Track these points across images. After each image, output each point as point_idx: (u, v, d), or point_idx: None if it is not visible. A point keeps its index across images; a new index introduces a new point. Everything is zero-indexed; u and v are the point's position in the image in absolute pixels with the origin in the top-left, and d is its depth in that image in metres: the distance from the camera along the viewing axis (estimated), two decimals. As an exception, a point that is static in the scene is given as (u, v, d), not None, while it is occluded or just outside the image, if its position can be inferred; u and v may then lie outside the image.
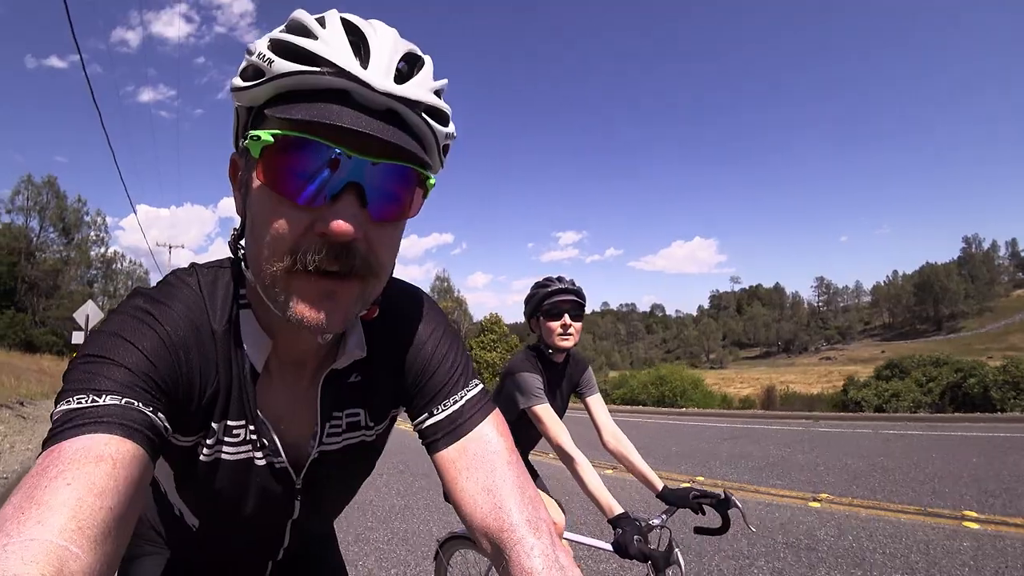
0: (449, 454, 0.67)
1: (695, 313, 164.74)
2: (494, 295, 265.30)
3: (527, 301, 2.08)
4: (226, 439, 0.64)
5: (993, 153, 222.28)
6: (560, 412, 2.03)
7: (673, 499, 1.71)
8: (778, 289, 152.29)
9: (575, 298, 1.97)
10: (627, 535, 1.39)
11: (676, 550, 1.31)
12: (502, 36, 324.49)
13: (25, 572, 0.35)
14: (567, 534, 1.87)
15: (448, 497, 0.68)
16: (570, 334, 1.95)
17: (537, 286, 2.06)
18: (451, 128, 0.57)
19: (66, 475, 0.42)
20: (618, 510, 1.51)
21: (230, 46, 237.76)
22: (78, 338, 15.02)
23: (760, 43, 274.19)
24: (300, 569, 0.94)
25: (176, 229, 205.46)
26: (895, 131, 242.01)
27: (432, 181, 0.56)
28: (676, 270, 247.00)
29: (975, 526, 3.99)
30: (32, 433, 7.35)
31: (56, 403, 0.49)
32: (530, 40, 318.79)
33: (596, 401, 2.12)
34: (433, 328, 0.73)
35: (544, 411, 1.84)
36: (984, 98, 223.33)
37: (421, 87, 0.53)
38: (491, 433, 0.68)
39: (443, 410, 0.69)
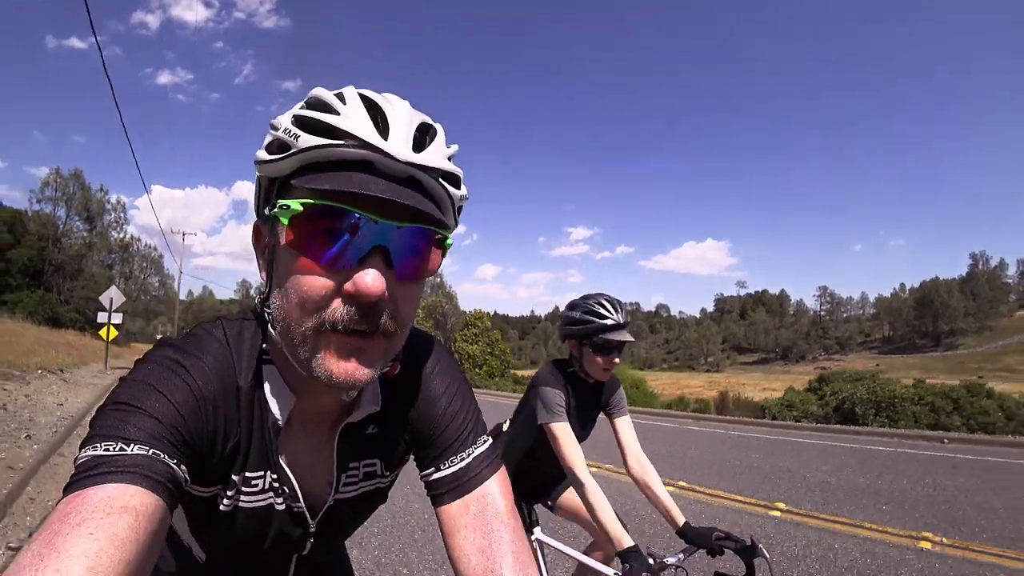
0: (452, 509, 0.70)
1: (698, 315, 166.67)
2: (503, 287, 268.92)
3: (571, 322, 1.89)
4: (244, 489, 0.67)
5: (1015, 167, 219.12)
6: (586, 432, 1.99)
7: (693, 537, 1.60)
8: (783, 296, 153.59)
9: (629, 336, 1.82)
10: (634, 571, 1.31)
11: None
12: (518, 28, 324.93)
13: None
14: (543, 537, 1.88)
15: (446, 548, 0.71)
16: (611, 369, 1.86)
17: (589, 311, 1.85)
18: (463, 191, 0.61)
19: (88, 524, 0.43)
20: (628, 543, 1.43)
21: (249, 31, 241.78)
22: (102, 318, 17.14)
23: (785, 44, 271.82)
24: None
25: (190, 210, 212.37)
26: (916, 142, 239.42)
27: (450, 241, 0.60)
28: (686, 271, 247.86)
29: (777, 514, 5.01)
30: (76, 394, 10.09)
31: (82, 447, 0.50)
32: (548, 34, 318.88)
33: (624, 423, 2.01)
34: (448, 384, 0.76)
35: (561, 429, 1.76)
36: (1013, 109, 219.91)
37: (436, 154, 0.57)
38: (494, 493, 0.71)
39: (450, 466, 0.72)
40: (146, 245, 49.29)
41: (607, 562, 1.89)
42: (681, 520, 1.67)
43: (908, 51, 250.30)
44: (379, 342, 0.57)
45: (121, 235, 43.79)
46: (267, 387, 0.65)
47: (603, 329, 1.80)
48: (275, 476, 0.68)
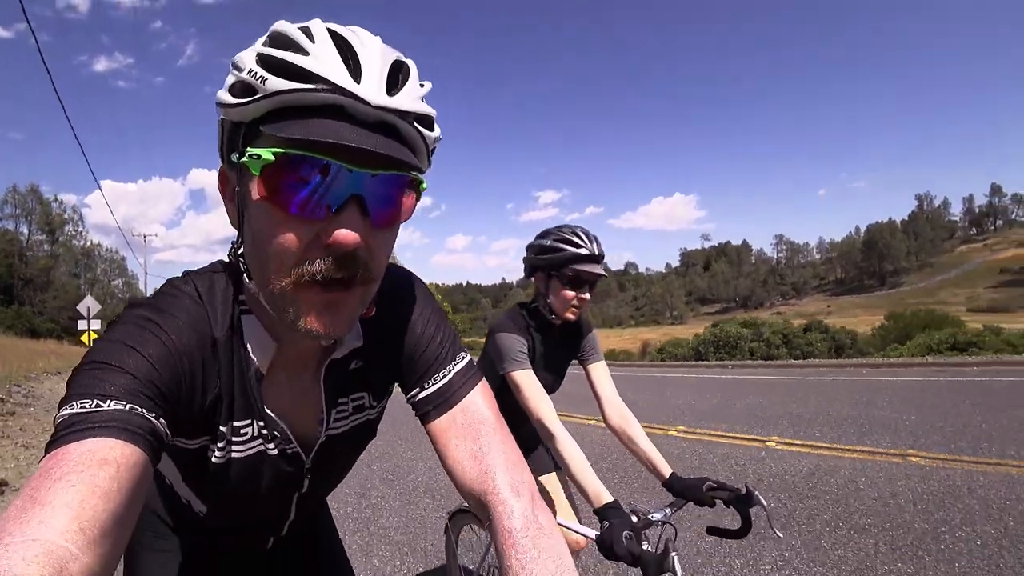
0: (440, 424, 0.72)
1: (664, 271, 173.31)
2: (474, 256, 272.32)
3: (540, 251, 1.68)
4: (234, 439, 0.67)
5: (970, 107, 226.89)
6: (557, 381, 1.84)
7: (681, 490, 1.45)
8: (744, 246, 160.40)
9: (603, 270, 1.64)
10: (615, 530, 1.15)
11: (673, 554, 1.07)
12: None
13: (26, 572, 0.37)
14: (558, 519, 1.55)
15: (441, 463, 0.74)
16: (580, 308, 1.66)
17: (560, 239, 1.65)
18: (437, 132, 0.60)
19: (70, 477, 0.44)
20: (607, 498, 1.28)
21: (187, 7, 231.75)
22: (83, 325, 18.19)
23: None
24: (300, 546, 1.02)
25: (146, 204, 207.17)
26: (877, 83, 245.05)
27: (424, 185, 0.60)
28: (655, 227, 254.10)
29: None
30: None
31: (60, 407, 0.51)
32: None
33: (599, 369, 1.81)
34: (422, 309, 0.78)
35: (523, 377, 1.58)
36: (986, 56, 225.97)
37: (410, 96, 0.55)
38: (478, 402, 0.74)
39: (433, 384, 0.74)
40: (107, 249, 51.83)
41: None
42: (668, 471, 1.50)
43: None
44: (356, 292, 0.57)
45: (82, 243, 46.44)
46: (247, 336, 0.66)
47: (576, 259, 1.60)
48: (262, 423, 0.69)
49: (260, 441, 0.70)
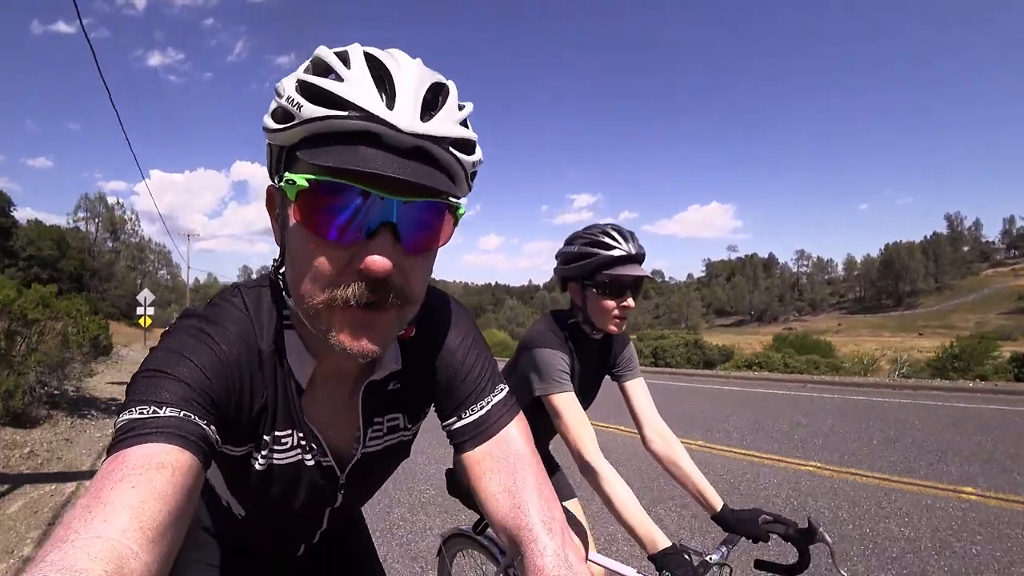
0: (475, 455, 0.75)
1: (685, 280, 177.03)
2: (506, 258, 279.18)
3: (571, 259, 1.54)
4: (275, 448, 0.72)
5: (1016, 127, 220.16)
6: (589, 403, 1.67)
7: (735, 524, 1.34)
8: (771, 259, 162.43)
9: (644, 270, 1.48)
10: None
11: None
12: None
13: (89, 567, 0.39)
14: (596, 556, 1.52)
15: (473, 494, 0.76)
16: (625, 317, 1.51)
17: (590, 243, 1.50)
18: (477, 155, 0.61)
19: (131, 479, 0.47)
20: (663, 543, 1.19)
21: (239, 6, 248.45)
22: (140, 311, 21.72)
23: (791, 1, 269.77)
24: (333, 549, 1.06)
25: (191, 193, 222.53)
26: (928, 99, 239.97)
27: (462, 211, 0.61)
28: (691, 235, 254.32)
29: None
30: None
31: (119, 413, 0.55)
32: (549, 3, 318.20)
33: (637, 387, 1.67)
34: (463, 337, 0.81)
35: (565, 402, 1.43)
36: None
37: (446, 121, 0.56)
38: (515, 436, 0.76)
39: (471, 414, 0.77)
40: (156, 243, 62.46)
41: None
42: (719, 503, 1.39)
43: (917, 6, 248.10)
44: (390, 314, 0.59)
45: (137, 240, 56.89)
46: (288, 351, 0.70)
47: (610, 263, 1.45)
48: (302, 434, 0.73)
49: (299, 451, 0.75)
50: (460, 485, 1.53)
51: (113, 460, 0.50)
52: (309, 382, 0.72)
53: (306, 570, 1.03)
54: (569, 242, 1.59)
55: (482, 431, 0.76)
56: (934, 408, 8.75)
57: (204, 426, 0.56)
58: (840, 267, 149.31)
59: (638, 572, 1.34)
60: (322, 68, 0.58)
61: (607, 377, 1.76)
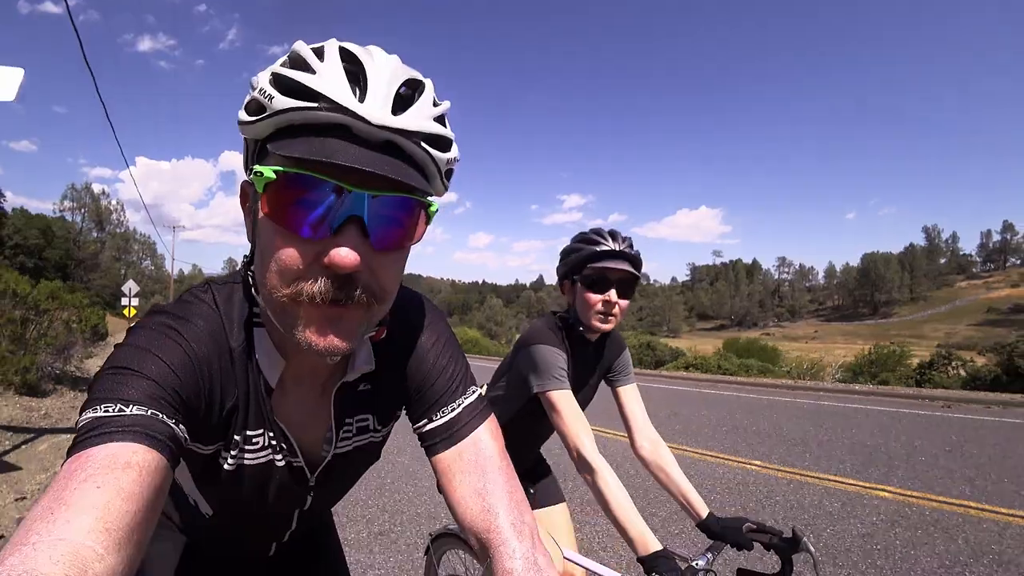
0: (445, 458, 0.74)
1: (669, 283, 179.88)
2: (495, 256, 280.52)
3: (564, 255, 1.62)
4: (246, 447, 0.71)
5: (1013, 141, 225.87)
6: (584, 405, 1.67)
7: (720, 531, 1.38)
8: (755, 266, 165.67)
9: (629, 267, 1.51)
10: None
11: None
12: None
13: (52, 571, 0.38)
14: (572, 555, 1.53)
15: (443, 496, 0.75)
16: (613, 315, 1.52)
17: (581, 239, 1.58)
18: (453, 153, 0.61)
19: (95, 479, 0.45)
20: (655, 546, 1.20)
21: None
22: (124, 301, 22.27)
23: (780, 6, 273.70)
24: (301, 549, 1.05)
25: (178, 182, 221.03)
26: (916, 110, 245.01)
27: (434, 208, 0.60)
28: (680, 238, 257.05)
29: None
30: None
31: (82, 411, 0.53)
32: (537, 3, 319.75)
33: (630, 393, 1.72)
34: (436, 339, 0.80)
35: (563, 398, 1.46)
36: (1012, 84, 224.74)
37: (419, 116, 0.56)
38: (485, 439, 0.75)
39: (441, 417, 0.76)
40: (141, 234, 63.18)
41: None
42: (705, 511, 1.43)
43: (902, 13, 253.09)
44: (358, 311, 0.58)
45: (122, 231, 57.63)
46: (258, 349, 0.68)
47: (594, 256, 1.50)
48: (272, 434, 0.72)
49: (269, 451, 0.73)
50: None
51: (76, 460, 0.48)
52: (279, 382, 0.71)
53: (275, 569, 1.03)
54: (568, 244, 1.63)
55: (453, 433, 0.76)
56: (816, 406, 10.41)
57: (172, 425, 0.55)
58: (821, 275, 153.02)
59: (619, 574, 1.31)
60: (296, 61, 0.57)
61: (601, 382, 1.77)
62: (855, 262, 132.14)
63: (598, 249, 1.51)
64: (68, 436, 5.74)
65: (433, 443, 0.77)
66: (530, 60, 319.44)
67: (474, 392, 0.81)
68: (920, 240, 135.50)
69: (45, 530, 0.41)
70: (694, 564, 1.23)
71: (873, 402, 11.38)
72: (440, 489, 0.77)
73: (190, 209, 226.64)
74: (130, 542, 0.45)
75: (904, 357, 20.06)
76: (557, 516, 1.82)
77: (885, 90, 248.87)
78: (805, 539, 1.25)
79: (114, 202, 56.18)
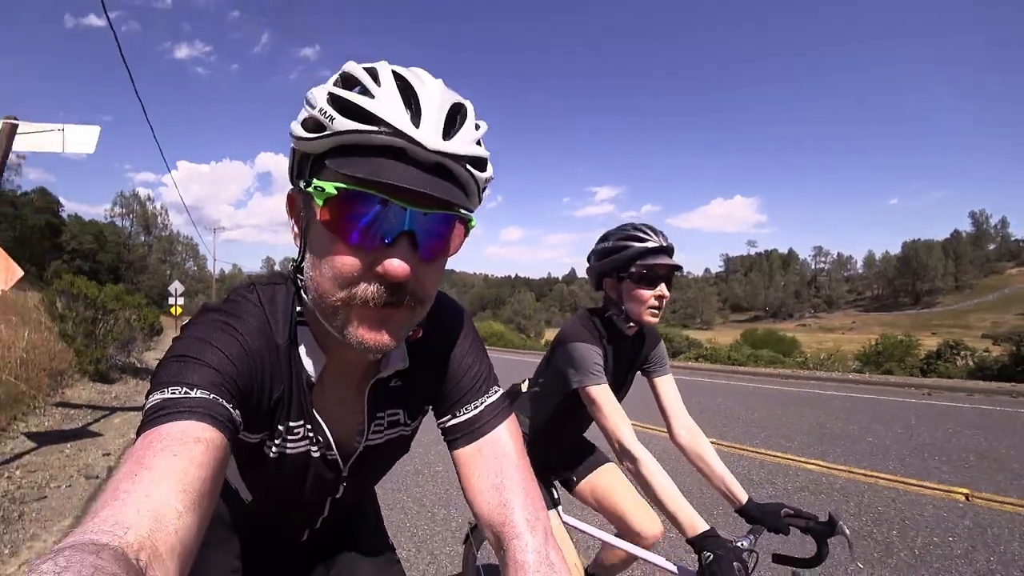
0: (466, 452, 0.79)
1: (702, 274, 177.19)
2: (527, 249, 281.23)
3: (605, 253, 1.64)
4: (288, 437, 0.76)
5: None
6: (623, 393, 1.76)
7: (760, 516, 1.42)
8: (791, 255, 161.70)
9: (675, 262, 1.58)
10: (724, 562, 1.15)
11: None
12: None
13: (138, 524, 0.43)
14: (629, 548, 1.59)
15: (461, 490, 0.78)
16: (660, 307, 1.59)
17: (624, 236, 1.61)
18: (489, 172, 0.66)
19: (172, 448, 0.51)
20: (703, 527, 1.24)
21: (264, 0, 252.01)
22: (171, 300, 23.46)
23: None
24: (332, 535, 1.09)
25: (217, 185, 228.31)
26: (961, 91, 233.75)
27: (473, 223, 0.66)
28: (714, 228, 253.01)
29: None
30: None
31: (149, 394, 0.58)
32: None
33: (667, 383, 1.78)
34: (463, 340, 0.86)
35: (601, 393, 1.53)
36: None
37: (465, 141, 0.61)
38: (504, 437, 0.80)
39: (464, 413, 0.81)
40: (184, 236, 66.58)
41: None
42: (744, 496, 1.48)
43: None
44: (404, 313, 0.64)
45: (167, 233, 60.98)
46: (301, 346, 0.73)
47: (644, 253, 1.56)
48: (310, 426, 0.78)
49: (307, 442, 0.79)
50: None
51: (149, 434, 0.53)
52: (319, 377, 0.75)
53: (309, 553, 1.08)
54: (603, 239, 1.66)
55: (474, 430, 0.80)
56: (785, 393, 11.08)
57: (230, 409, 0.59)
58: (859, 264, 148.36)
59: (669, 561, 1.38)
60: (352, 83, 0.62)
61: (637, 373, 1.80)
62: (897, 250, 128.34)
63: (648, 246, 1.56)
64: (135, 413, 6.96)
65: (455, 438, 0.81)
66: (562, 52, 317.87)
67: (496, 392, 0.85)
68: (966, 226, 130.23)
69: (131, 489, 0.46)
70: (739, 544, 1.26)
71: (852, 389, 11.90)
72: (460, 483, 0.80)
73: (229, 210, 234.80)
74: (201, 505, 0.50)
75: (912, 347, 20.17)
76: (607, 475, 1.91)
77: (928, 67, 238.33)
78: (841, 523, 1.29)
79: (159, 206, 59.99)
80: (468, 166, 0.62)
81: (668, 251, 1.58)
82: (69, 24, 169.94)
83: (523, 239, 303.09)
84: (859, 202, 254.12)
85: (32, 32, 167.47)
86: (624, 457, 1.46)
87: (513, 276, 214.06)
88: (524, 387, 1.92)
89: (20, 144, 4.70)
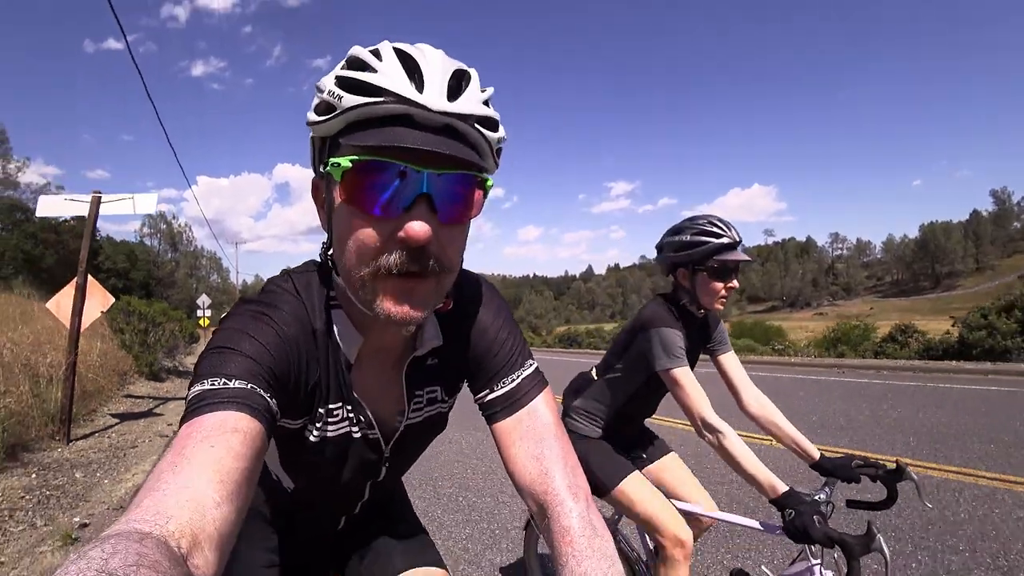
0: (505, 425, 0.80)
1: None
2: (545, 248, 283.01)
3: (680, 247, 1.75)
4: (329, 420, 0.78)
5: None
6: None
7: (832, 468, 1.56)
8: (809, 243, 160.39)
9: (745, 255, 1.70)
10: (805, 516, 1.25)
11: (879, 535, 1.12)
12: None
13: (178, 514, 0.44)
14: (714, 512, 1.77)
15: (502, 461, 0.80)
16: (728, 297, 1.73)
17: (698, 231, 1.72)
18: (501, 133, 0.67)
19: (210, 440, 0.52)
20: (782, 488, 1.36)
21: (275, 12, 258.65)
22: (199, 312, 25.26)
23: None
24: (371, 521, 1.11)
25: (236, 198, 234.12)
26: (984, 61, 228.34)
27: (490, 183, 0.66)
28: (732, 219, 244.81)
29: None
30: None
31: (191, 385, 0.60)
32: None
33: (731, 359, 1.91)
34: (495, 314, 0.87)
35: (685, 375, 1.67)
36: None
37: (471, 101, 0.62)
38: (542, 408, 0.81)
39: (502, 387, 0.82)
40: (208, 250, 70.15)
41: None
42: (816, 453, 1.62)
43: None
44: (430, 282, 0.64)
45: (192, 249, 64.46)
46: (336, 328, 0.75)
47: (719, 249, 1.68)
48: (350, 407, 0.79)
49: (347, 423, 0.81)
50: None
51: (190, 425, 0.55)
52: (357, 358, 0.77)
53: (344, 542, 1.10)
54: (676, 232, 1.79)
55: (512, 403, 0.81)
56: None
57: (267, 398, 0.61)
58: (878, 249, 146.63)
59: (757, 521, 1.52)
60: (358, 64, 0.63)
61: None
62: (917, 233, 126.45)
63: (723, 242, 1.67)
64: (184, 401, 9.14)
65: (494, 412, 0.82)
66: (571, 47, 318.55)
67: (531, 365, 0.86)
68: (988, 205, 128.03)
69: (172, 479, 0.48)
70: (816, 498, 1.38)
71: (789, 371, 13.42)
72: (500, 455, 0.81)
73: (249, 222, 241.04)
74: (240, 494, 0.52)
75: (869, 332, 21.57)
76: (670, 463, 2.04)
77: (947, 43, 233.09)
78: (908, 469, 1.42)
79: (183, 223, 63.50)
80: (477, 125, 0.63)
81: (739, 245, 1.70)
82: (89, 49, 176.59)
83: (540, 238, 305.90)
84: (882, 185, 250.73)
85: (55, 54, 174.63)
86: (708, 431, 1.59)
87: (531, 275, 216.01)
88: (594, 374, 2.03)
89: (103, 211, 6.79)
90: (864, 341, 20.82)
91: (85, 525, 3.69)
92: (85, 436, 6.12)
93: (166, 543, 0.42)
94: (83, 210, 6.61)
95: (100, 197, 6.77)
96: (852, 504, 1.59)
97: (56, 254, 30.62)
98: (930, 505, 1.63)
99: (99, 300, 6.53)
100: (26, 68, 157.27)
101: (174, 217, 63.25)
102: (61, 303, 6.24)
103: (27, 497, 4.07)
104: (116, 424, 6.97)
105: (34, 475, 4.57)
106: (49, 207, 6.82)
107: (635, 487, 1.80)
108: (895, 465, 1.48)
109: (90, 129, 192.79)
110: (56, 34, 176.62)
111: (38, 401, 5.79)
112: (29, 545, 3.34)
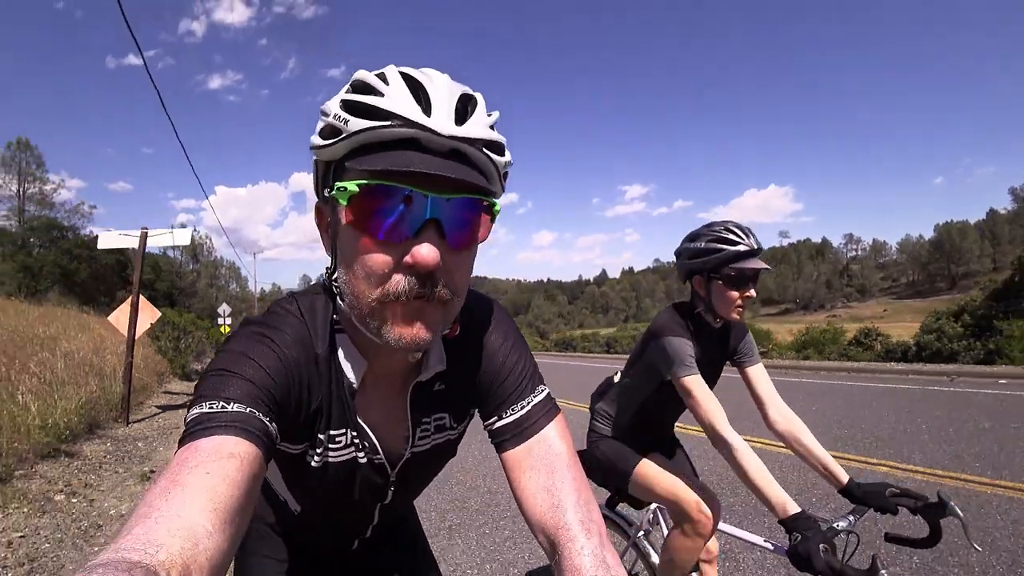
0: (515, 454, 0.77)
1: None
2: (559, 253, 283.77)
3: (695, 254, 1.73)
4: (330, 446, 0.77)
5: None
6: (712, 384, 1.78)
7: (863, 496, 1.44)
8: (825, 244, 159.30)
9: (762, 264, 1.67)
10: (810, 543, 1.16)
11: (883, 571, 1.05)
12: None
13: (169, 543, 0.43)
14: (721, 525, 1.71)
15: (512, 492, 0.76)
16: (745, 306, 1.70)
17: (714, 239, 1.69)
18: (507, 157, 0.66)
19: (205, 466, 0.51)
20: (793, 508, 1.29)
21: (289, 24, 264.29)
22: (220, 321, 24.34)
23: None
24: (382, 543, 1.09)
25: (253, 207, 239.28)
26: (996, 57, 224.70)
27: (497, 208, 0.66)
28: (748, 220, 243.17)
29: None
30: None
31: (190, 407, 0.59)
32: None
33: (758, 372, 1.84)
34: (504, 338, 0.84)
35: (695, 383, 1.63)
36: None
37: (478, 125, 0.62)
38: (554, 437, 0.78)
39: (511, 414, 0.79)
40: (227, 260, 72.97)
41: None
42: (845, 477, 1.52)
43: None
44: (437, 307, 0.63)
45: (212, 260, 67.26)
46: (340, 353, 0.74)
47: (736, 257, 1.65)
48: (355, 433, 0.78)
49: (352, 449, 0.79)
50: (590, 464, 1.93)
51: (186, 449, 0.54)
52: (361, 383, 0.76)
53: (361, 562, 1.09)
54: (692, 238, 1.76)
55: (522, 431, 0.78)
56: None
57: (267, 422, 0.60)
58: (894, 249, 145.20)
59: (764, 540, 1.38)
60: (364, 88, 0.63)
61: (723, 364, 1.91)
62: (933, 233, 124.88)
63: (740, 250, 1.64)
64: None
65: (503, 440, 0.79)
66: (583, 51, 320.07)
67: (543, 391, 0.82)
68: (1007, 203, 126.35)
69: (164, 507, 0.47)
70: (835, 526, 1.26)
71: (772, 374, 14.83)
72: (510, 485, 0.77)
73: (266, 230, 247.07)
74: (233, 522, 0.51)
75: (838, 335, 22.79)
76: (682, 472, 1.96)
77: (965, 42, 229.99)
78: (952, 503, 1.28)
79: (203, 234, 66.26)
80: (485, 150, 0.63)
81: (757, 253, 1.67)
82: (111, 65, 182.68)
83: (554, 243, 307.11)
84: (901, 184, 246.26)
85: (78, 71, 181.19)
86: (718, 443, 1.54)
87: (545, 280, 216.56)
88: (616, 378, 2.06)
89: (150, 243, 8.62)
90: (831, 344, 22.03)
91: (152, 472, 5.41)
92: (138, 420, 7.91)
93: (155, 573, 0.41)
94: (134, 243, 8.47)
95: (147, 233, 8.64)
96: (891, 539, 1.46)
97: (89, 268, 32.98)
98: (979, 548, 1.50)
99: (148, 314, 8.37)
100: (52, 85, 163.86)
101: (195, 229, 66.23)
102: (120, 318, 8.06)
103: (108, 457, 5.82)
104: (160, 413, 8.77)
105: (109, 444, 6.32)
106: (108, 241, 8.79)
107: (651, 468, 1.89)
108: (937, 498, 1.35)
109: (112, 142, 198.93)
110: (79, 50, 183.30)
111: (103, 393, 7.57)
112: (117, 482, 5.07)
